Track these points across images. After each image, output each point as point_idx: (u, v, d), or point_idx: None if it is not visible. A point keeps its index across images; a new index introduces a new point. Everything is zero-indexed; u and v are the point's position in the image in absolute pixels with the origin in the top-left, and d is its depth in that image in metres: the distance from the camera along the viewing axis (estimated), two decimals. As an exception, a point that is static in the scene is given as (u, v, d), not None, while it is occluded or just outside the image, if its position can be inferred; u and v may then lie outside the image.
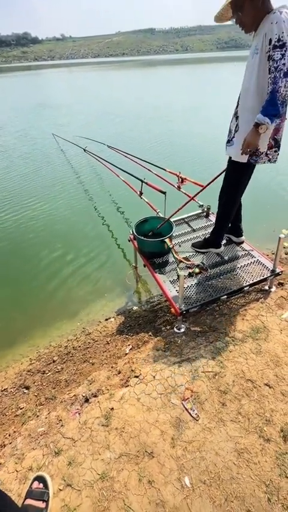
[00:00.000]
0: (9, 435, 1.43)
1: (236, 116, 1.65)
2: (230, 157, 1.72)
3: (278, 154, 1.62)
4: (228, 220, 1.98)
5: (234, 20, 1.49)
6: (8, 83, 27.86)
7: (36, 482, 1.10)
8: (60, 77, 32.75)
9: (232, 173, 1.76)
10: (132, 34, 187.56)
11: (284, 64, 1.29)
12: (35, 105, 12.81)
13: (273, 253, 2.54)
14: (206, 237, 2.17)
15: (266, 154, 1.59)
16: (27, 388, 1.80)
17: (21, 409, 1.64)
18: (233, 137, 1.66)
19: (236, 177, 1.75)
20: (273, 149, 1.58)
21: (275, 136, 1.55)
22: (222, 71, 24.09)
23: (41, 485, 1.09)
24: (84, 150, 5.07)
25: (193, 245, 2.20)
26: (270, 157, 1.60)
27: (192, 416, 1.30)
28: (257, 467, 1.13)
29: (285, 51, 1.29)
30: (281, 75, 1.30)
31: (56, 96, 15.88)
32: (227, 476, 1.12)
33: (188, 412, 1.32)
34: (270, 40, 1.31)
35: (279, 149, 1.61)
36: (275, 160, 1.63)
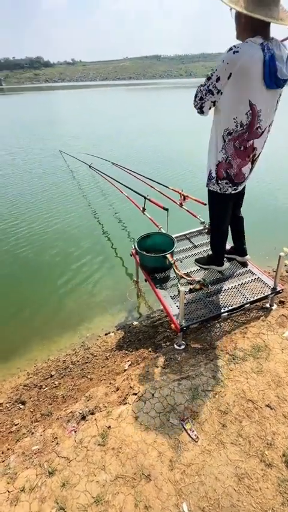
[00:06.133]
0: (3, 453, 1.39)
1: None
2: None
3: (232, 187, 1.66)
4: (220, 240, 1.99)
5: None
6: (20, 101, 29.13)
7: None
8: (69, 97, 34.28)
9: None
10: (139, 60, 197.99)
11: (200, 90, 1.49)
12: (44, 123, 13.34)
13: (274, 271, 2.54)
14: (209, 253, 2.20)
15: (217, 183, 1.67)
16: (23, 403, 1.77)
17: (16, 425, 1.60)
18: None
19: (212, 205, 1.83)
20: (224, 181, 1.65)
21: (227, 170, 1.60)
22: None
23: None
24: (90, 166, 5.22)
25: (196, 260, 2.22)
26: (221, 187, 1.67)
27: (191, 438, 1.26)
28: (258, 495, 1.09)
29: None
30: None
31: (64, 115, 16.55)
32: (227, 503, 1.07)
33: (187, 432, 1.28)
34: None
35: (232, 183, 1.65)
36: (232, 191, 1.68)
